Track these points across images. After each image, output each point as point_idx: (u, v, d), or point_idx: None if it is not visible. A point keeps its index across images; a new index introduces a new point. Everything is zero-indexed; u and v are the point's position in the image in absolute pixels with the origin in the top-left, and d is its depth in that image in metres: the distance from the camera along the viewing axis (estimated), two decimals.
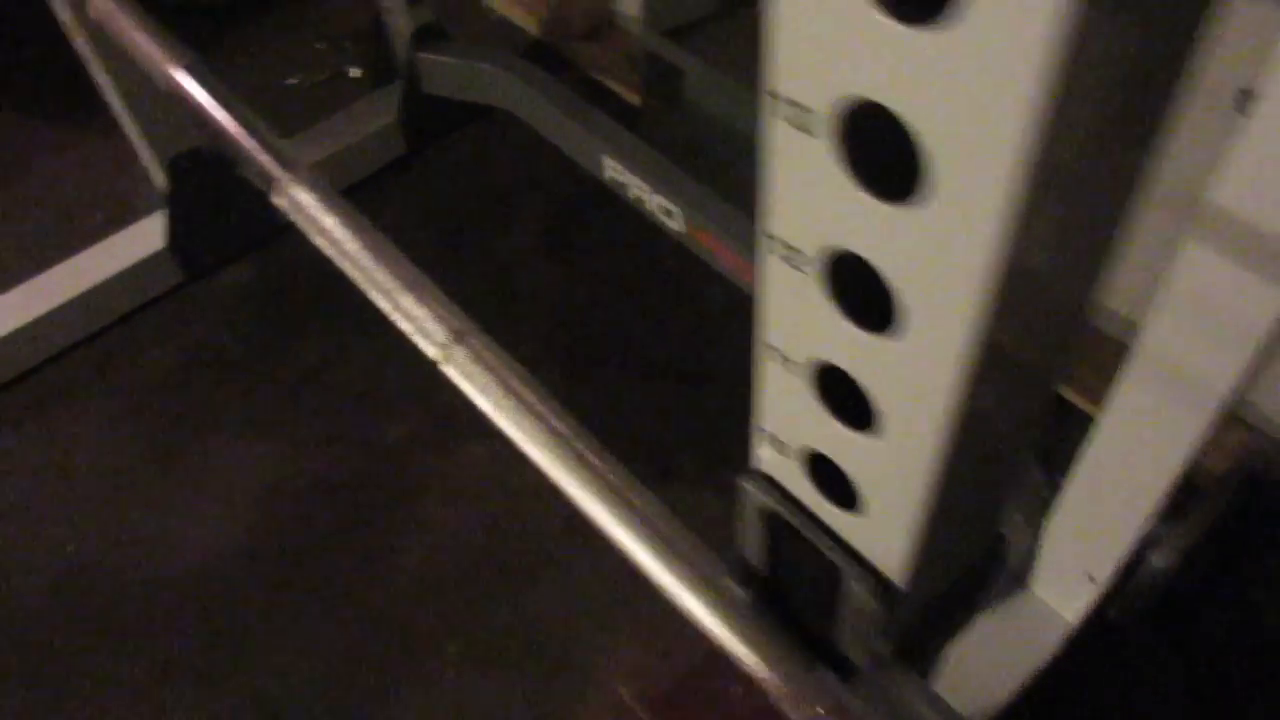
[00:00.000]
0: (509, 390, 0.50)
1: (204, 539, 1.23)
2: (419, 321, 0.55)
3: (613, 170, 1.34)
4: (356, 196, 1.58)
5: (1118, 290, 1.30)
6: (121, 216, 1.51)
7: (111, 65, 1.25)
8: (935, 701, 0.40)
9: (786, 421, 0.34)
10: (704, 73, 1.60)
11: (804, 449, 0.34)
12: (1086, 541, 0.93)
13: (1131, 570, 0.88)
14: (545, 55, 1.81)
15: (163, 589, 1.20)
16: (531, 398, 0.50)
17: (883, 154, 0.23)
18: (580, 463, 0.47)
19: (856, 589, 0.36)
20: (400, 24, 1.49)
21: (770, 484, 0.38)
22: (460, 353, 0.52)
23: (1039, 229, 0.24)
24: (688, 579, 0.42)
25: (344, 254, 0.59)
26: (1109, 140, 0.26)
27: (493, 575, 1.19)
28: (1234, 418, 1.25)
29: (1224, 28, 0.36)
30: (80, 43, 1.22)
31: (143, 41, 0.74)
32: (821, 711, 0.38)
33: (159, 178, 1.41)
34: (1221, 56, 1.00)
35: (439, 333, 0.54)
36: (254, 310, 1.48)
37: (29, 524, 1.26)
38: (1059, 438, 0.92)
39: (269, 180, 0.64)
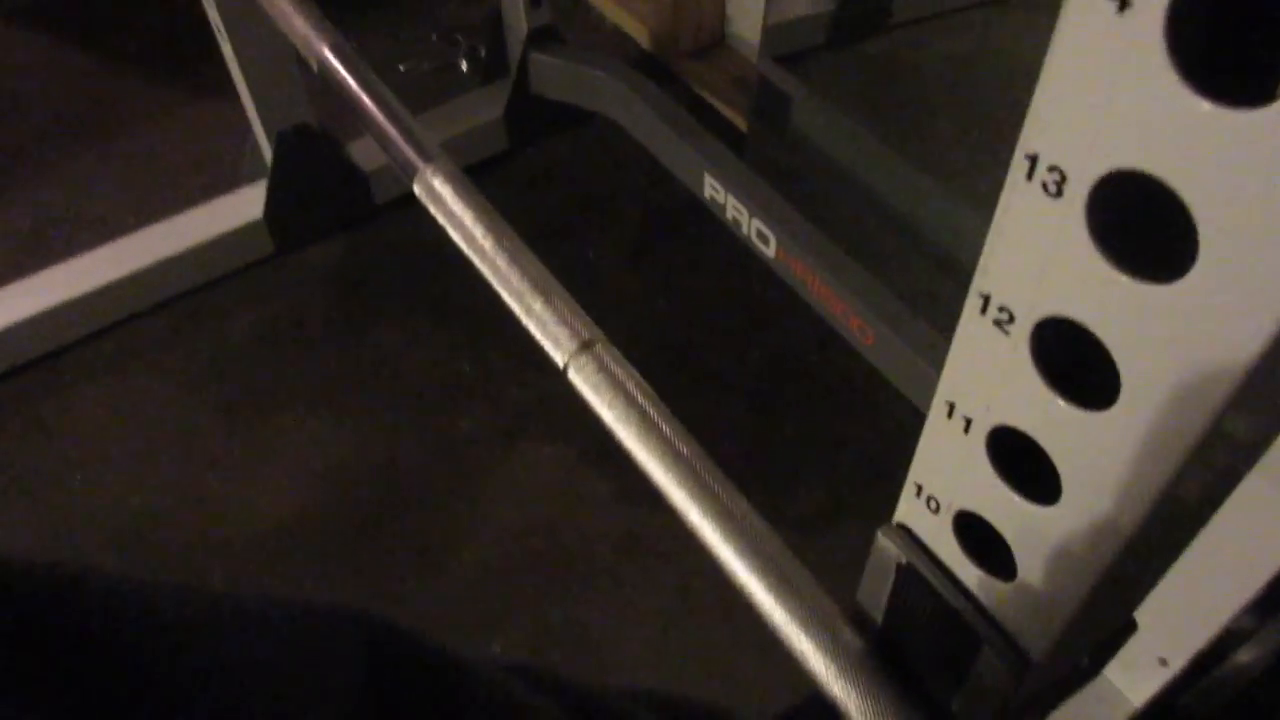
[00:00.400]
0: (632, 405, 0.50)
1: (265, 509, 1.25)
2: (547, 326, 0.54)
3: (712, 189, 1.34)
4: None
5: None
6: (223, 183, 1.54)
7: (240, 35, 1.27)
8: None
9: (948, 482, 0.33)
10: (812, 102, 1.60)
11: (962, 511, 0.33)
12: (1165, 624, 0.90)
13: (1212, 661, 0.85)
14: (654, 69, 1.81)
15: (218, 553, 1.21)
16: (655, 415, 0.50)
17: (1143, 230, 0.22)
18: (698, 484, 0.47)
19: (991, 658, 0.35)
20: (518, 22, 1.50)
21: (911, 539, 0.37)
22: (587, 361, 0.52)
23: None
24: (798, 614, 0.42)
25: (478, 249, 0.60)
26: None
27: (546, 578, 1.19)
28: None
29: None
30: (213, 10, 1.25)
31: (293, 17, 0.75)
32: None
33: (266, 149, 1.43)
34: None
35: (567, 339, 0.53)
36: (338, 289, 1.50)
37: (97, 476, 1.28)
38: None
39: (409, 168, 0.64)
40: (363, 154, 1.53)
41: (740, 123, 1.70)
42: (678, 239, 1.57)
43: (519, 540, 1.22)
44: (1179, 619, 0.87)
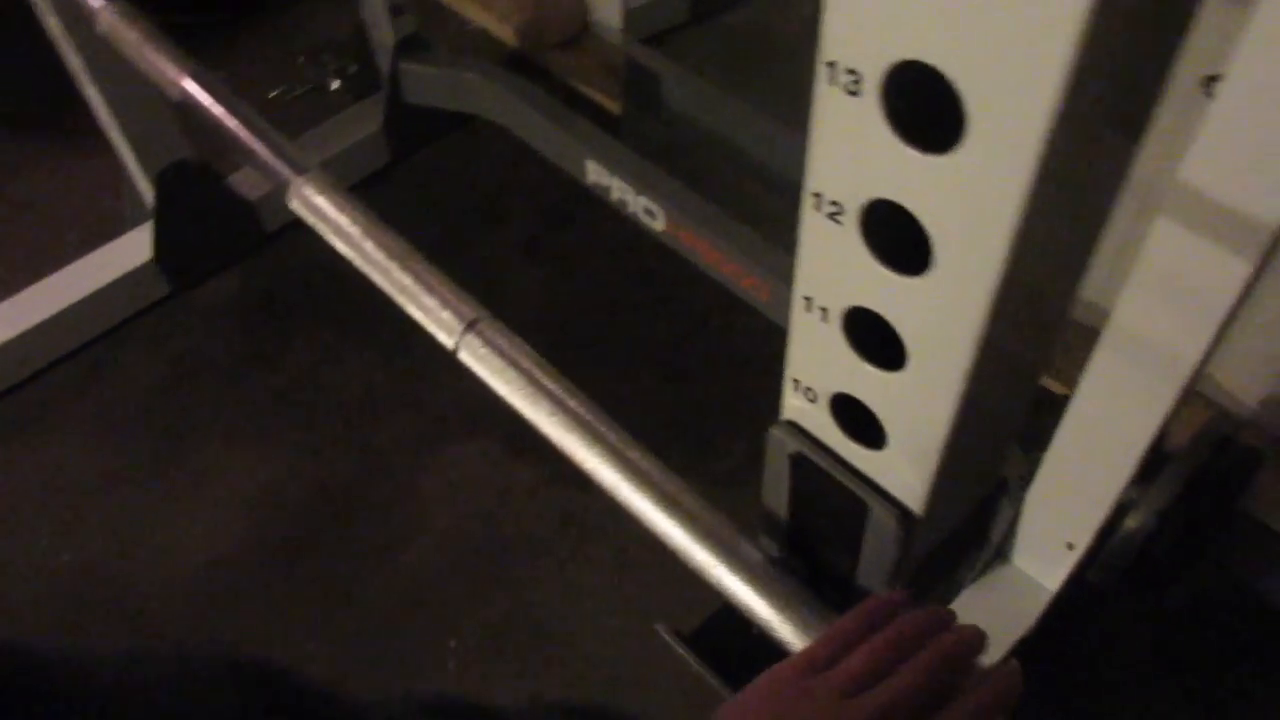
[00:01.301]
0: (522, 372, 0.54)
1: (200, 545, 1.25)
2: (433, 312, 0.58)
3: (595, 173, 1.38)
4: None
5: (1091, 279, 1.35)
6: (107, 231, 1.52)
7: (103, 78, 1.27)
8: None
9: (818, 369, 0.38)
10: (681, 77, 1.65)
11: (834, 394, 0.38)
12: (1065, 511, 0.97)
13: (1107, 534, 0.92)
14: (523, 65, 1.84)
15: (159, 596, 1.21)
16: (545, 380, 0.54)
17: (925, 111, 0.27)
18: (596, 438, 0.51)
19: (880, 518, 0.39)
20: (383, 35, 1.52)
21: (798, 431, 0.42)
22: (474, 340, 0.56)
23: (1054, 185, 0.27)
24: (703, 538, 0.46)
25: (359, 251, 0.62)
26: (1111, 113, 0.29)
27: (490, 570, 1.22)
28: (1195, 394, 1.31)
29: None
30: (72, 56, 1.24)
31: (151, 54, 0.76)
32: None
33: (146, 191, 1.42)
34: (1187, 47, 1.05)
35: (453, 322, 0.57)
36: (241, 320, 1.50)
37: (22, 537, 1.26)
38: (1036, 419, 0.97)
39: (282, 183, 0.67)
40: (246, 183, 1.53)
41: (614, 107, 1.74)
42: (569, 227, 1.61)
43: (458, 537, 1.25)
44: (1077, 502, 0.94)
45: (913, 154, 0.28)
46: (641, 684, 1.13)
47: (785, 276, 1.22)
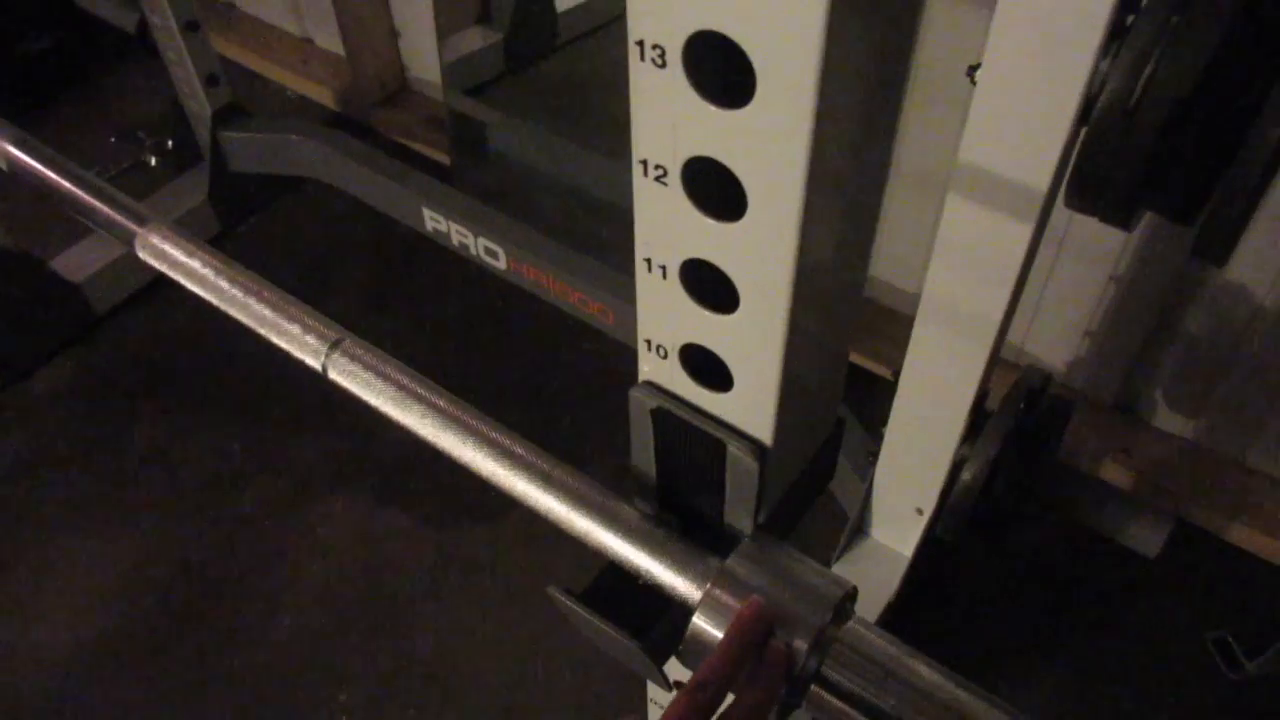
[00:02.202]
0: (391, 381, 0.57)
1: (61, 640, 1.20)
2: (296, 337, 0.60)
3: (434, 220, 1.41)
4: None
5: (909, 272, 1.47)
6: None
7: None
8: (803, 560, 0.48)
9: (665, 325, 0.43)
10: (504, 123, 1.70)
11: (682, 345, 0.43)
12: (910, 479, 1.05)
13: (947, 495, 1.01)
14: (346, 125, 1.86)
15: (21, 701, 1.15)
16: (413, 385, 0.57)
17: (721, 74, 0.32)
18: (470, 431, 0.54)
19: (737, 454, 0.44)
20: (200, 106, 1.51)
21: (656, 389, 0.46)
22: (340, 358, 0.58)
23: (832, 129, 0.33)
24: (582, 506, 0.50)
25: (215, 290, 0.64)
26: (865, 78, 0.35)
27: (371, 619, 1.22)
28: (1008, 364, 1.44)
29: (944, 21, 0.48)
30: None
31: None
32: (711, 587, 0.46)
33: None
34: (949, 46, 1.17)
35: (317, 343, 0.59)
36: (79, 406, 1.45)
37: None
38: (876, 402, 1.05)
39: (128, 236, 0.68)
40: (70, 266, 1.49)
41: (440, 157, 1.78)
42: (413, 276, 1.63)
43: (335, 592, 1.24)
44: (918, 468, 1.03)
45: (716, 111, 0.33)
46: (538, 709, 1.15)
47: (628, 298, 1.28)
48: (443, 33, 1.69)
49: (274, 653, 1.19)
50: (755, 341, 0.40)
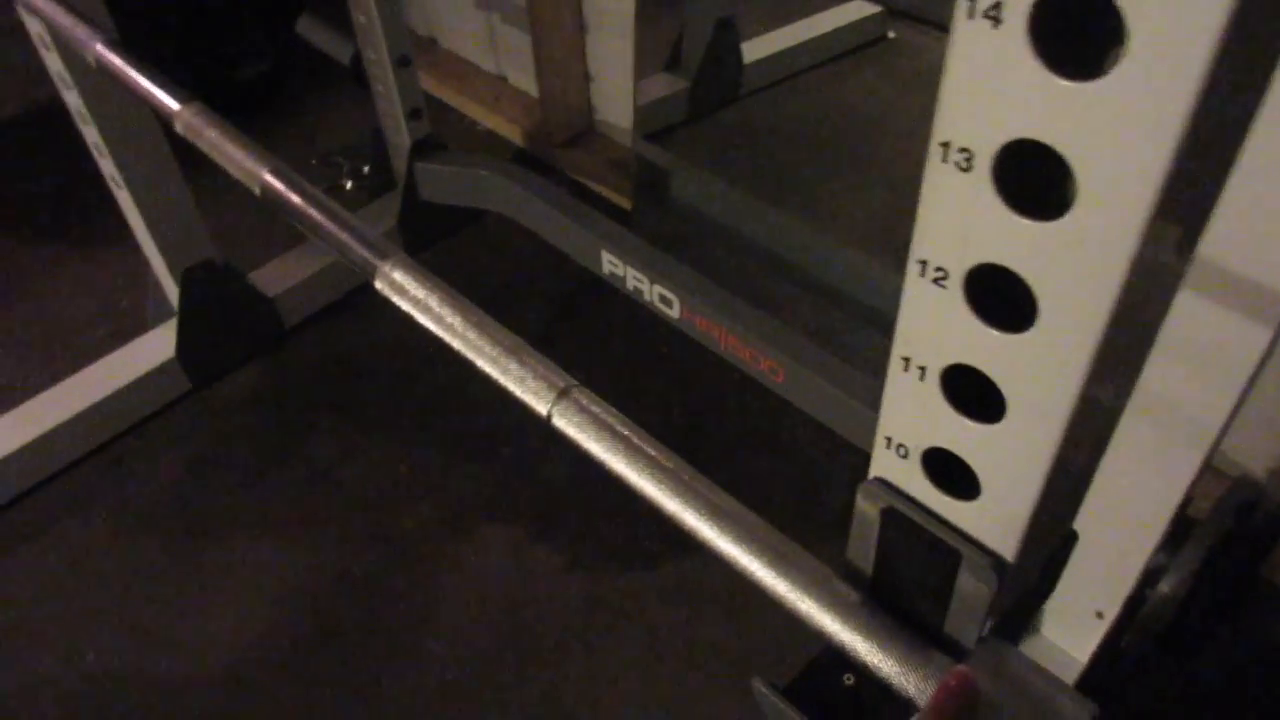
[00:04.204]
0: (617, 436, 0.56)
1: (226, 640, 1.25)
2: (525, 381, 0.60)
3: (611, 264, 1.42)
4: (360, 297, 1.64)
5: None
6: (126, 330, 1.55)
7: (138, 182, 1.31)
8: (1045, 673, 0.45)
9: (913, 426, 0.41)
10: (687, 171, 1.71)
11: (927, 449, 0.41)
12: (1093, 580, 0.99)
13: (1137, 603, 0.94)
14: (532, 163, 1.91)
15: (187, 693, 1.20)
16: (639, 440, 0.56)
17: (1035, 182, 0.30)
18: (697, 497, 0.53)
19: (974, 567, 0.42)
20: (400, 137, 1.58)
21: (888, 487, 0.44)
22: (567, 406, 0.58)
23: (1146, 255, 0.31)
24: (798, 580, 0.48)
25: (448, 328, 0.65)
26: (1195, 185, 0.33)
27: (519, 658, 1.22)
28: (1212, 468, 1.34)
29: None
30: (108, 162, 1.28)
31: (232, 150, 0.80)
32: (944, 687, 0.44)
33: (171, 290, 1.46)
34: None
35: (545, 390, 0.59)
36: (260, 415, 1.52)
37: (46, 636, 1.26)
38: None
39: (368, 267, 0.70)
40: (267, 281, 1.57)
41: (619, 200, 1.80)
42: (584, 317, 1.65)
43: (483, 625, 1.25)
44: (1104, 570, 0.96)
45: (1022, 222, 0.31)
46: None
47: (798, 357, 1.26)
48: (636, 77, 1.72)
49: (420, 680, 1.20)
50: (1017, 455, 0.38)
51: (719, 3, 1.94)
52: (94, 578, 1.32)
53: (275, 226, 1.72)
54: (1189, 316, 0.78)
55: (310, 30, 1.65)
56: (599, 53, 1.82)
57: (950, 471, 0.41)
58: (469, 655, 1.22)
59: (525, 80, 1.99)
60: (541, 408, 0.59)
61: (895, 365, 0.39)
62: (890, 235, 1.73)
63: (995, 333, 0.35)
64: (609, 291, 1.42)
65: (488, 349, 0.61)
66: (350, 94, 1.79)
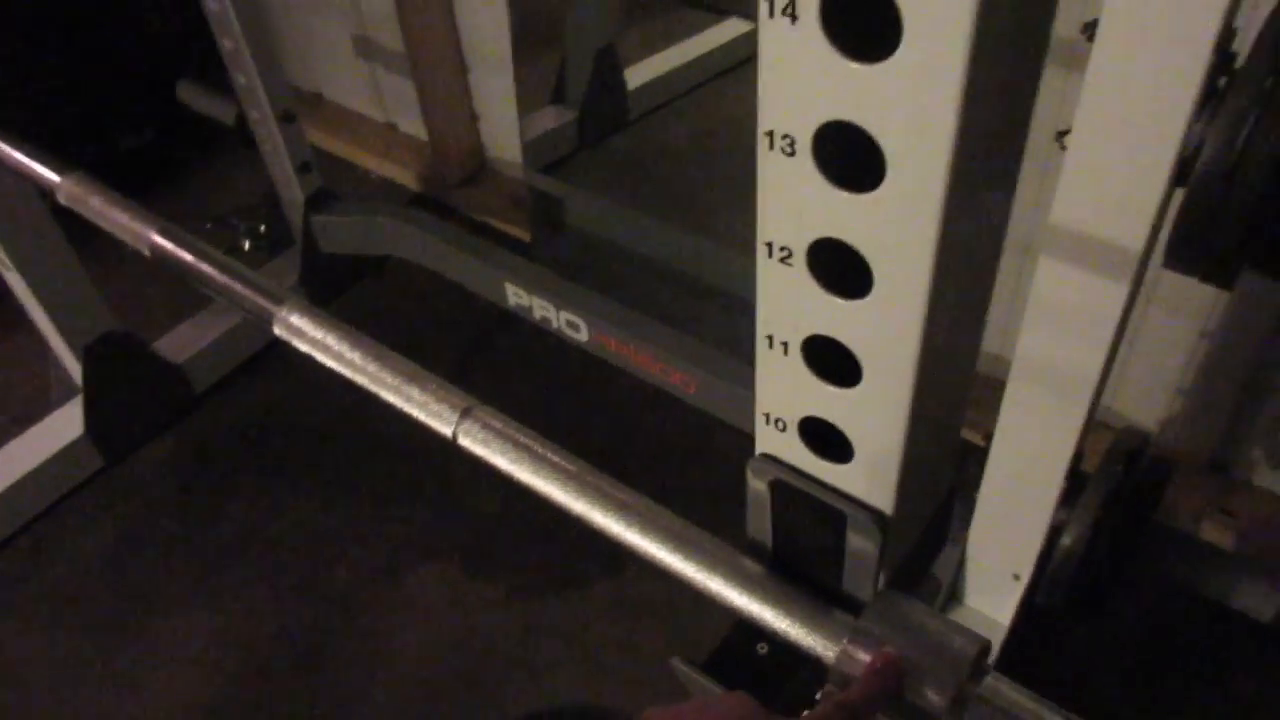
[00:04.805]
0: (521, 447, 0.58)
1: (166, 711, 1.23)
2: (428, 406, 0.62)
3: (516, 295, 1.44)
4: (269, 356, 1.64)
5: (996, 335, 1.46)
6: (30, 412, 1.52)
7: (28, 262, 1.29)
8: (936, 616, 0.48)
9: (786, 399, 0.44)
10: (582, 199, 1.74)
11: (801, 419, 0.44)
12: (1005, 544, 1.04)
13: (1046, 560, 0.99)
14: (428, 205, 1.92)
15: None
16: (541, 449, 0.58)
17: (850, 159, 0.34)
18: (601, 495, 0.55)
19: (859, 524, 0.45)
20: (293, 192, 1.58)
21: (774, 461, 0.47)
22: (470, 425, 0.60)
23: (959, 215, 0.34)
24: (710, 564, 0.50)
25: (349, 364, 0.67)
26: (990, 156, 0.37)
27: (466, 694, 1.22)
28: (1100, 424, 1.41)
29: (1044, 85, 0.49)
30: None
31: (119, 215, 0.81)
32: (847, 644, 0.46)
33: (73, 366, 1.43)
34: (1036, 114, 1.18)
35: (448, 413, 0.61)
36: (180, 482, 1.50)
37: None
38: (966, 467, 1.04)
39: (265, 315, 0.71)
40: (173, 348, 1.56)
41: (519, 234, 1.83)
42: (495, 351, 1.66)
43: (428, 666, 1.25)
44: (1014, 533, 1.01)
45: (844, 196, 0.35)
46: None
47: (710, 368, 1.29)
48: (522, 112, 1.75)
49: None
50: (878, 413, 0.41)
51: (597, 32, 1.98)
52: (22, 670, 1.28)
53: (178, 292, 1.71)
54: (1051, 282, 0.83)
55: (191, 95, 1.65)
56: (483, 92, 1.85)
57: (825, 438, 0.44)
58: (417, 697, 1.22)
59: (414, 125, 2.00)
60: (446, 429, 0.61)
61: (761, 344, 0.42)
62: None
63: (840, 301, 0.38)
64: (517, 323, 1.44)
65: (388, 379, 0.63)
66: (239, 155, 1.79)
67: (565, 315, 1.39)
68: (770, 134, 0.34)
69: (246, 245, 1.85)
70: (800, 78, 0.32)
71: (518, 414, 1.57)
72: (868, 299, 0.37)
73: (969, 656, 0.45)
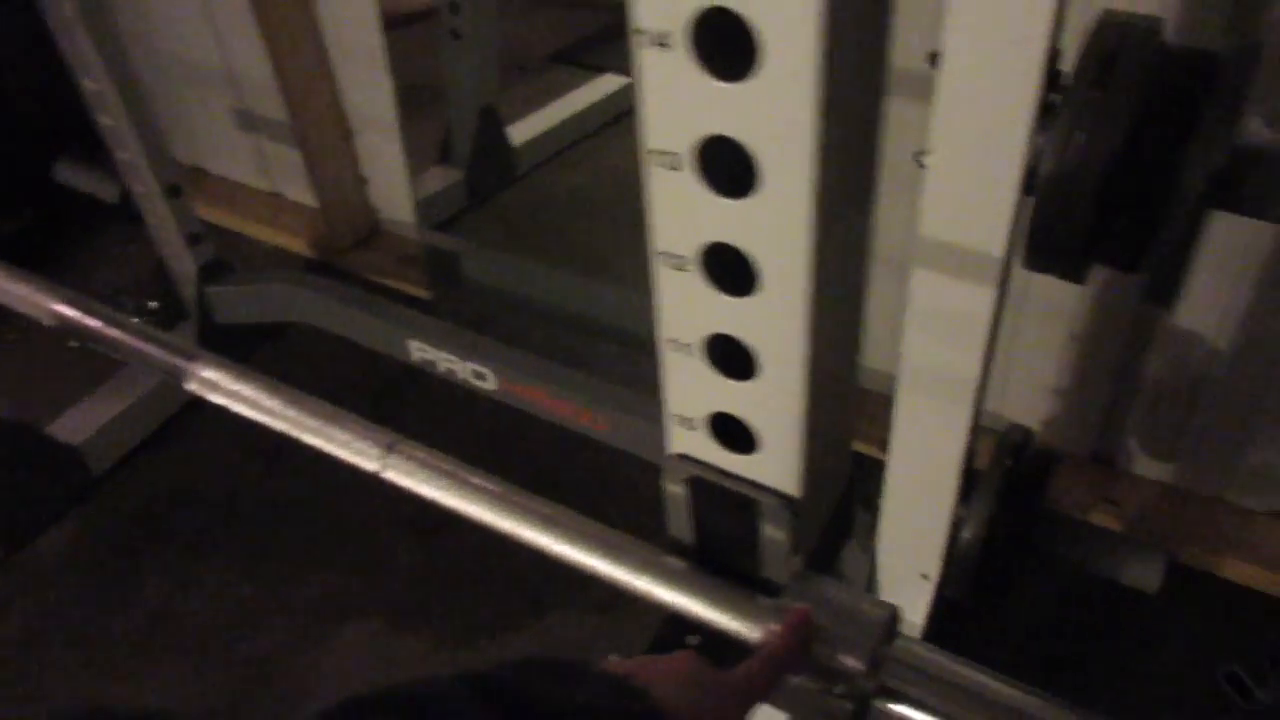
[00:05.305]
0: (446, 474, 0.61)
1: None
2: (351, 445, 0.64)
3: (419, 350, 1.45)
4: (169, 431, 1.61)
5: (879, 350, 1.53)
6: None
7: None
8: (849, 590, 0.52)
9: (690, 396, 0.47)
10: (478, 254, 1.78)
11: (709, 414, 0.48)
12: (911, 546, 1.09)
13: (950, 555, 1.05)
14: (322, 270, 1.92)
15: None
16: (467, 476, 0.61)
17: (730, 169, 0.38)
18: (528, 511, 0.58)
19: (769, 508, 0.48)
20: (184, 265, 1.57)
21: (687, 459, 0.51)
22: (395, 459, 0.62)
23: (828, 210, 0.39)
24: (638, 565, 0.53)
25: (267, 411, 0.68)
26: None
27: None
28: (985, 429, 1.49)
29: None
30: None
31: (19, 288, 0.81)
32: (774, 627, 0.50)
33: None
34: (894, 137, 1.26)
35: (372, 449, 0.63)
36: (83, 568, 1.46)
37: None
38: (868, 479, 1.10)
39: (178, 373, 0.72)
40: (68, 430, 1.52)
41: (416, 292, 1.84)
42: (403, 406, 1.67)
43: None
44: (918, 535, 1.07)
45: (727, 203, 0.39)
46: None
47: (619, 406, 1.33)
48: (411, 173, 1.78)
49: None
50: (776, 403, 0.45)
51: (478, 93, 2.03)
52: None
53: (71, 371, 1.67)
54: (925, 292, 0.90)
55: (70, 175, 1.63)
56: (369, 155, 1.87)
57: (731, 431, 0.48)
58: None
59: (301, 192, 2.01)
60: (371, 465, 0.63)
61: (665, 348, 0.46)
62: None
63: (732, 299, 0.42)
64: (423, 377, 1.45)
65: (309, 422, 0.65)
66: (122, 231, 1.77)
67: (471, 366, 1.41)
68: (654, 152, 0.38)
69: (137, 322, 1.82)
70: (675, 97, 0.36)
71: None
72: (756, 296, 0.41)
73: (881, 621, 0.50)
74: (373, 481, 1.55)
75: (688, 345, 0.45)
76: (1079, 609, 1.29)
